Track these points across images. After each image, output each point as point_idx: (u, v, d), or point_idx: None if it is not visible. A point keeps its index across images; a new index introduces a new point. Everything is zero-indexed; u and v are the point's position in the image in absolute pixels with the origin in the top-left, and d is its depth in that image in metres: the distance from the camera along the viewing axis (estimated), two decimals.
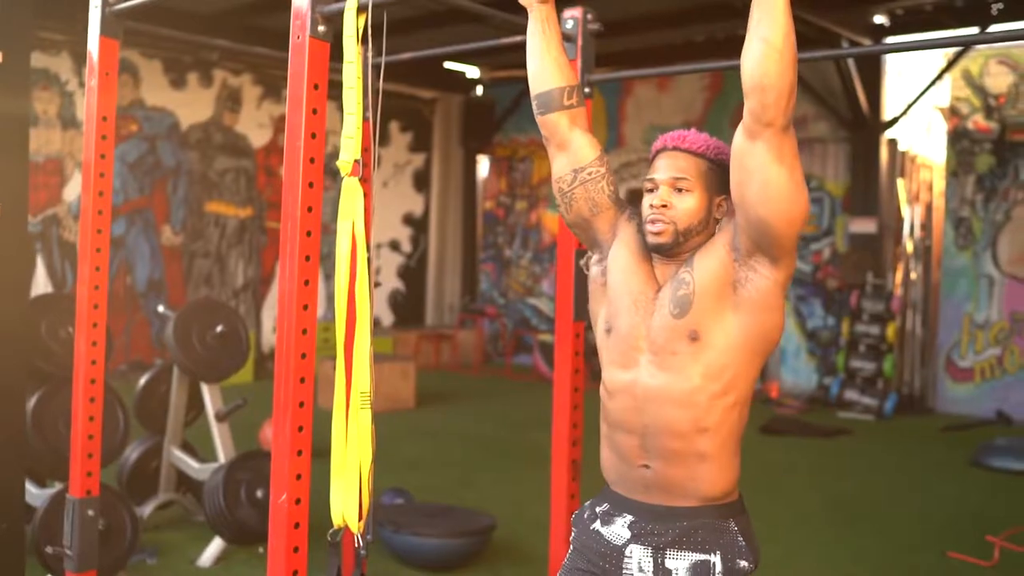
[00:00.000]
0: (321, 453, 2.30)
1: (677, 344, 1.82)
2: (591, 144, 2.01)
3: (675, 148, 1.92)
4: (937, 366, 9.13)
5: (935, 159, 9.79)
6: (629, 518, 1.88)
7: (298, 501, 2.04)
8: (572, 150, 1.99)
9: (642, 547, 1.84)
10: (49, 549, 3.49)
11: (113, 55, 2.88)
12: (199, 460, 4.55)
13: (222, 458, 4.40)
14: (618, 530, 1.88)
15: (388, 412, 7.95)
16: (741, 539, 1.85)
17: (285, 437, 2.03)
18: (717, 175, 1.89)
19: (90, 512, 2.92)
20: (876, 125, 9.25)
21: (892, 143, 9.35)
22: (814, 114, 9.66)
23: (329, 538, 1.99)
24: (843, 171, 9.57)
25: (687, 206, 1.87)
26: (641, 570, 1.83)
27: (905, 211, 9.27)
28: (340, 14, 2.02)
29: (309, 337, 2.06)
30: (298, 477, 2.04)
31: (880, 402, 8.59)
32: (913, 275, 9.15)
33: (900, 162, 9.42)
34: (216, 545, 4.24)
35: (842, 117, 9.37)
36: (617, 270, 1.94)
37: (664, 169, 1.90)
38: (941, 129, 9.53)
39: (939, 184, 9.62)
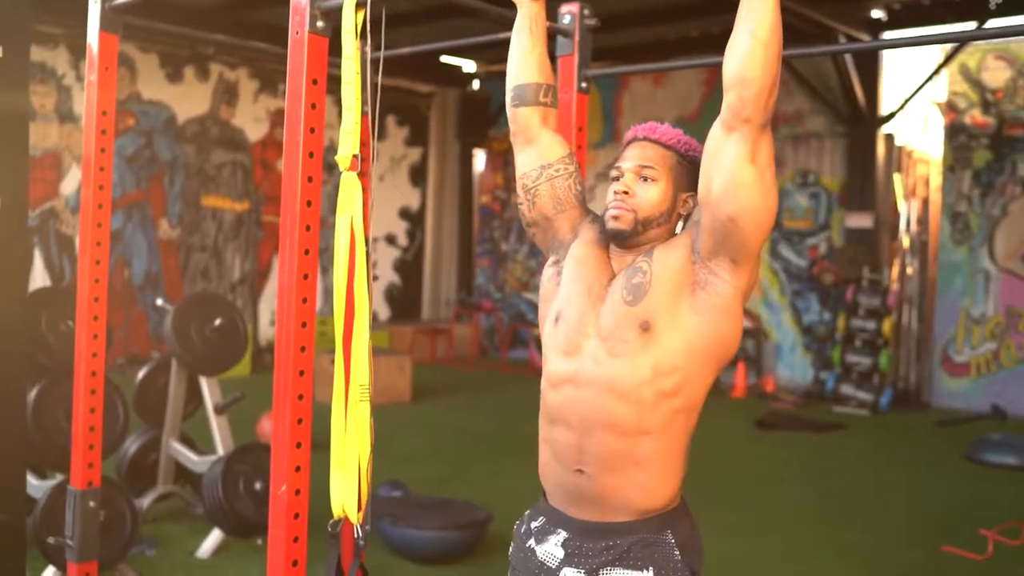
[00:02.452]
0: (319, 446, 2.32)
1: (627, 332, 1.76)
2: (560, 142, 2.00)
3: (645, 138, 1.89)
4: (933, 361, 9.17)
5: (932, 154, 9.81)
6: (563, 535, 1.83)
7: (297, 492, 2.06)
8: (540, 145, 1.98)
9: (575, 570, 1.79)
10: (51, 540, 3.51)
11: (112, 50, 2.89)
12: (198, 453, 4.56)
13: (220, 451, 4.42)
14: (551, 549, 1.83)
15: (384, 406, 7.97)
16: (677, 553, 1.78)
17: (285, 429, 2.05)
18: (685, 171, 1.86)
19: (91, 503, 2.94)
20: (873, 120, 9.27)
21: (889, 138, 9.38)
22: (810, 109, 9.68)
23: (329, 529, 2.00)
24: (839, 166, 9.60)
25: (650, 196, 1.84)
26: None
27: (902, 206, 9.30)
28: (339, 9, 2.03)
29: (308, 330, 2.07)
30: (297, 469, 2.06)
31: (875, 397, 8.62)
32: (909, 270, 9.18)
33: (897, 157, 9.45)
34: (215, 537, 4.26)
35: (839, 112, 9.39)
36: (573, 262, 1.90)
37: (631, 158, 1.87)
38: (938, 124, 9.55)
39: (936, 179, 9.65)
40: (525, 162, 2.00)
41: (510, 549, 1.96)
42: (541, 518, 1.89)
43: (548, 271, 1.98)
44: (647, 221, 1.84)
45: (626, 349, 1.76)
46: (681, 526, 1.80)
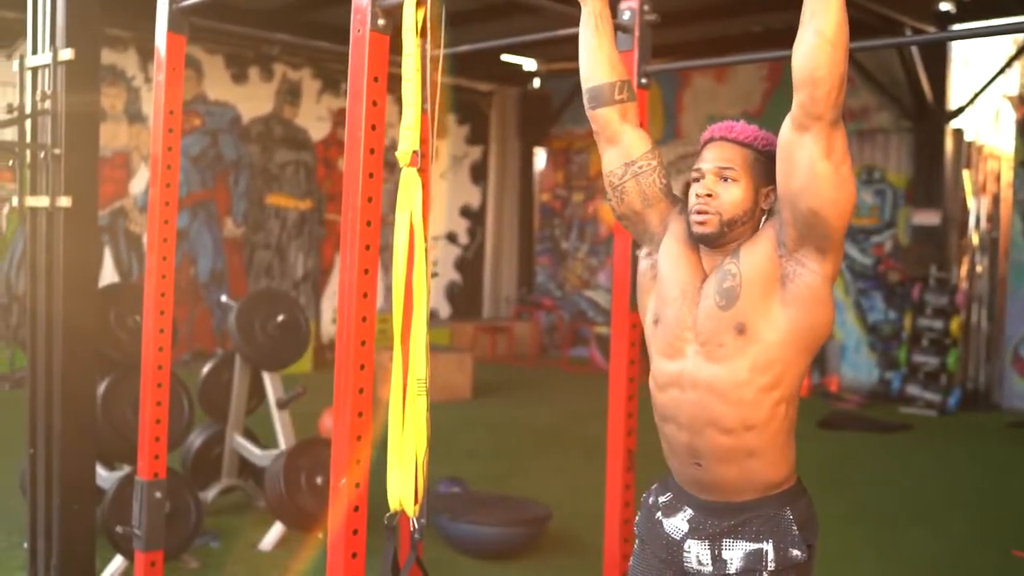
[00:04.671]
0: (376, 443, 2.34)
1: (724, 336, 1.83)
2: (642, 138, 2.01)
3: (722, 138, 1.91)
4: (1003, 361, 8.94)
5: (1003, 149, 9.56)
6: (689, 512, 1.92)
7: (357, 485, 2.08)
8: (623, 143, 2.00)
9: (699, 541, 1.89)
10: (119, 529, 3.60)
11: (180, 50, 2.95)
12: (260, 447, 4.64)
13: (283, 445, 4.49)
14: (678, 523, 1.93)
15: (445, 403, 8.01)
16: (795, 528, 1.86)
17: (345, 423, 2.08)
18: (764, 166, 1.88)
19: (157, 494, 3.00)
20: (941, 115, 9.07)
21: (957, 133, 9.16)
22: (876, 104, 9.50)
23: (385, 522, 2.02)
24: (906, 162, 9.40)
25: (732, 196, 1.87)
26: (700, 563, 1.88)
27: (971, 203, 9.08)
28: (400, 7, 2.05)
29: (369, 325, 2.10)
30: (358, 462, 2.08)
31: (943, 397, 8.43)
32: (979, 268, 8.96)
33: (966, 152, 9.22)
34: (277, 530, 4.33)
35: (905, 107, 9.19)
36: (667, 261, 1.95)
37: (711, 159, 1.90)
38: (1010, 118, 9.31)
39: (1007, 175, 9.41)
40: (609, 160, 2.02)
41: (636, 519, 2.06)
42: (668, 494, 1.99)
43: (643, 263, 2.04)
44: (732, 222, 1.87)
45: (724, 353, 1.83)
46: (799, 504, 1.89)
